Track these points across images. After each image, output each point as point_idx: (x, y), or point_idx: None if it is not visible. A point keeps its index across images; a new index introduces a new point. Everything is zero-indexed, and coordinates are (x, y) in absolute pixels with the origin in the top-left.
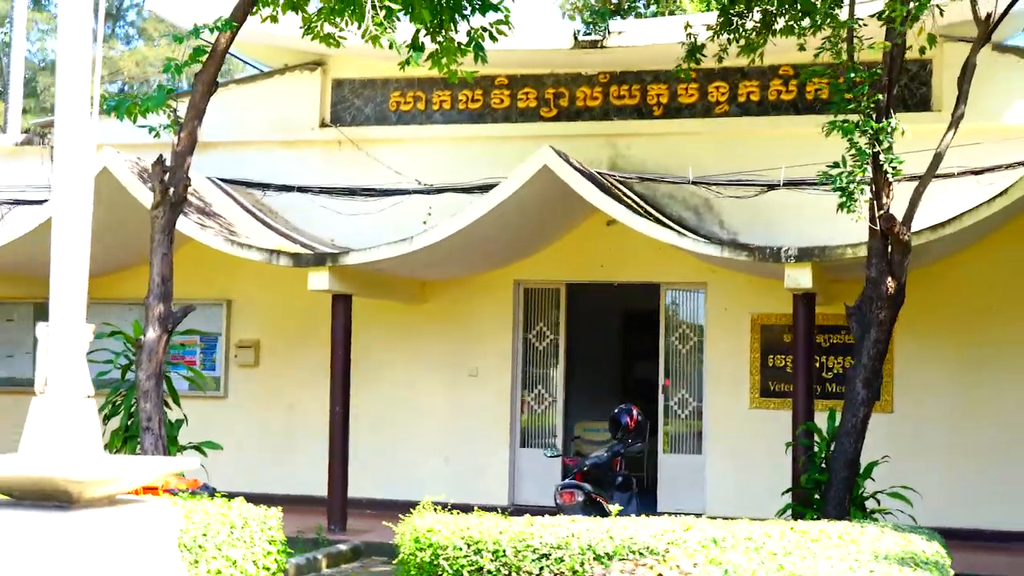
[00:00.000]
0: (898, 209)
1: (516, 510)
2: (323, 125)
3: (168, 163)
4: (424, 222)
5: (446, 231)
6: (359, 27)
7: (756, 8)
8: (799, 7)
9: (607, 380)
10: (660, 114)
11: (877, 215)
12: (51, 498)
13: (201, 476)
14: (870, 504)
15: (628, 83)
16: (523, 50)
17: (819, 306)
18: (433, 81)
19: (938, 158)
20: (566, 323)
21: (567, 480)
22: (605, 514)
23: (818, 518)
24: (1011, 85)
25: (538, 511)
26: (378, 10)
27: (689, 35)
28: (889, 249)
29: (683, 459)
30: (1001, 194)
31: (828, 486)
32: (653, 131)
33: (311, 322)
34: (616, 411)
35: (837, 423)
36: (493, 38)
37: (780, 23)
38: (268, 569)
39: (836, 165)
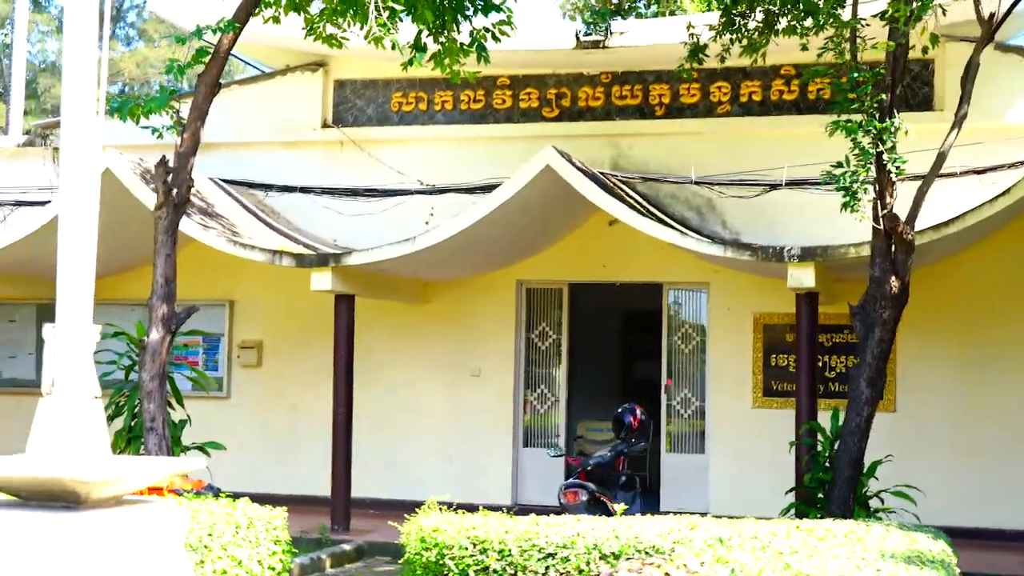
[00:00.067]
0: (901, 208)
1: (520, 510)
2: (325, 126)
3: (171, 164)
4: (426, 222)
5: (448, 231)
6: (362, 28)
7: (758, 8)
8: (802, 7)
9: (610, 380)
10: (662, 114)
11: (881, 215)
12: (58, 499)
13: (205, 476)
14: (874, 503)
15: (630, 83)
16: (525, 50)
17: (821, 305)
18: (435, 81)
19: (941, 158)
20: (568, 323)
21: (571, 479)
22: (609, 513)
23: (822, 517)
24: (1014, 85)
25: (542, 511)
26: (381, 11)
27: (691, 35)
28: (893, 249)
29: (686, 458)
30: (1004, 193)
31: (832, 485)
32: (655, 131)
33: (314, 322)
34: (619, 411)
35: (840, 422)
36: (496, 38)
37: (783, 23)
38: (273, 569)
39: (839, 165)
